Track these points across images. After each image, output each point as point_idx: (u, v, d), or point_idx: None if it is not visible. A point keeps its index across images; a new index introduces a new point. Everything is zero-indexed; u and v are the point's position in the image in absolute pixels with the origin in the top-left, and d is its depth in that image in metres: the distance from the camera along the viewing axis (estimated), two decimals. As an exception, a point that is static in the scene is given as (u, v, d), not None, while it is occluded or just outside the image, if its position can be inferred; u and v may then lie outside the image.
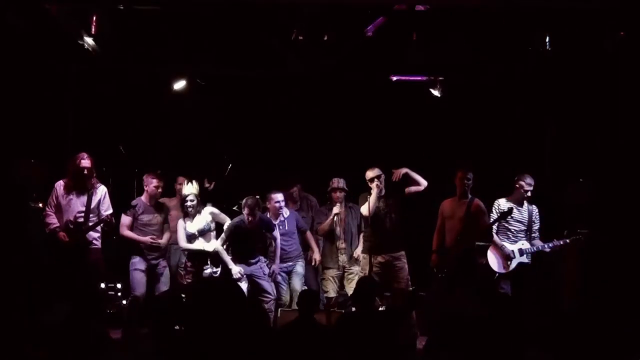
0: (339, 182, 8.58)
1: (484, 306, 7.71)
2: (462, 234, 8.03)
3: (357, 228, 8.58)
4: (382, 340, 5.43)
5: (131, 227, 8.23)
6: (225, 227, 8.41)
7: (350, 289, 8.32)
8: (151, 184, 8.31)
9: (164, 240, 8.33)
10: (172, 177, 9.15)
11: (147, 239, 8.18)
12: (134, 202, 8.22)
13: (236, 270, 8.22)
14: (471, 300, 7.78)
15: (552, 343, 5.66)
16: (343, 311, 8.19)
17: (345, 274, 8.54)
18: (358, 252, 8.42)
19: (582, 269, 8.71)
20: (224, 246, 8.38)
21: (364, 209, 8.02)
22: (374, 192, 7.99)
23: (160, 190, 8.37)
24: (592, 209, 8.78)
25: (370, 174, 8.09)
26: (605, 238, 8.54)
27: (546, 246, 8.12)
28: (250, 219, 8.23)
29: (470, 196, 8.18)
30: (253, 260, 8.37)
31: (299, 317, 5.99)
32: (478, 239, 8.16)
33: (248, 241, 8.38)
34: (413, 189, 8.07)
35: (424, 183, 8.06)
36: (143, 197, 8.34)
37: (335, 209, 8.46)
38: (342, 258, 8.51)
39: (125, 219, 8.18)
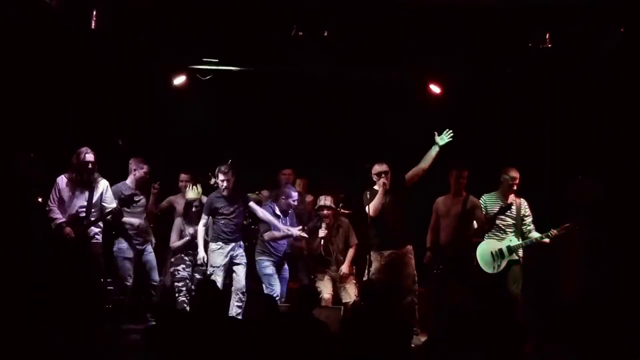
0: (325, 200, 8.52)
1: (481, 303, 7.78)
2: (459, 231, 8.05)
3: (345, 244, 8.57)
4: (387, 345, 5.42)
5: None
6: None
7: (346, 295, 8.36)
8: (142, 169, 8.36)
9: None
10: (173, 173, 9.17)
11: (139, 221, 8.28)
12: (127, 194, 8.21)
13: (201, 255, 8.26)
14: (467, 297, 7.82)
15: (552, 338, 5.66)
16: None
17: (338, 284, 8.52)
18: (344, 269, 8.42)
19: (582, 264, 8.75)
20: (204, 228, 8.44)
21: (369, 209, 7.97)
22: (380, 191, 7.96)
23: (148, 176, 8.44)
24: (593, 205, 8.81)
25: (378, 168, 8.07)
26: (604, 234, 8.57)
27: (537, 238, 8.11)
28: (225, 185, 8.18)
29: (465, 193, 8.20)
30: (233, 241, 8.32)
31: (297, 314, 5.99)
32: (476, 235, 8.18)
33: (227, 214, 8.29)
34: (414, 171, 8.01)
35: (427, 163, 8.02)
36: (128, 181, 8.38)
37: (321, 233, 8.45)
38: (333, 274, 8.55)
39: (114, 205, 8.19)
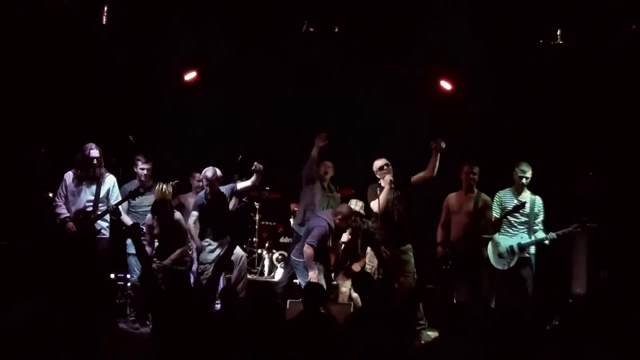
0: (361, 209, 8.47)
1: (490, 300, 7.76)
2: (470, 228, 8.02)
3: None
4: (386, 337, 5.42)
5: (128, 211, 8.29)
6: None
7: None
8: (136, 166, 8.34)
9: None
10: (182, 169, 9.15)
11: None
12: (129, 187, 8.20)
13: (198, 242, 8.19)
14: (477, 294, 7.81)
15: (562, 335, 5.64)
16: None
17: None
18: (357, 267, 8.41)
19: (592, 260, 8.72)
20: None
21: (374, 205, 7.97)
22: (387, 188, 7.96)
23: (145, 172, 8.32)
24: (601, 201, 8.78)
25: (378, 163, 8.09)
26: (612, 230, 8.53)
27: (547, 237, 8.05)
28: (208, 190, 8.16)
29: (476, 190, 8.15)
30: (221, 242, 8.25)
31: (304, 310, 5.99)
32: (485, 232, 8.14)
33: (211, 217, 8.23)
34: (421, 175, 8.02)
35: (432, 171, 8.03)
36: (136, 180, 8.36)
37: (344, 237, 8.39)
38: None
39: (125, 205, 8.18)
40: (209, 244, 8.27)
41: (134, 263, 8.20)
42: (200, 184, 8.65)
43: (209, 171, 8.15)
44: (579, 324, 5.27)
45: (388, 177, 7.96)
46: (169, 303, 5.51)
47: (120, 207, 7.98)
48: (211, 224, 8.28)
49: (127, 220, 8.16)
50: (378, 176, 8.11)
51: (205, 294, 6.46)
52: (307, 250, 8.09)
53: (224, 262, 7.40)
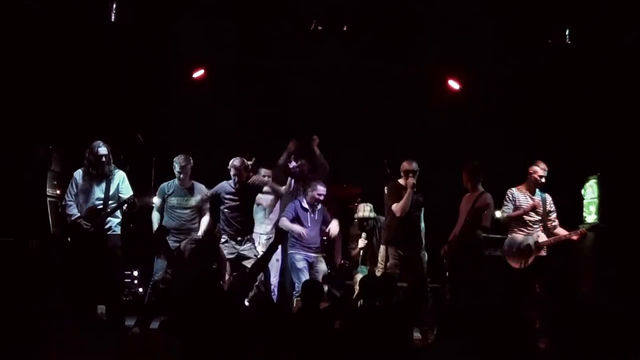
0: (371, 212, 8.54)
1: (481, 296, 7.74)
2: (465, 228, 8.04)
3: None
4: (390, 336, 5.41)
5: (162, 210, 8.23)
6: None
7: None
8: (174, 168, 8.23)
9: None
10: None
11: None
12: (167, 186, 8.24)
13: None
14: (468, 291, 7.80)
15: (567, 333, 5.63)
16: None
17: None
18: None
19: (598, 259, 8.69)
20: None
21: (396, 208, 7.95)
22: (408, 191, 7.95)
23: (182, 175, 8.17)
24: (609, 200, 8.75)
25: (407, 166, 8.04)
26: (619, 231, 8.49)
27: (572, 234, 8.00)
28: (237, 179, 8.06)
29: (481, 190, 8.14)
30: (241, 238, 8.11)
31: (303, 308, 6.00)
32: (479, 231, 8.12)
33: (235, 210, 8.13)
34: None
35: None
36: (177, 179, 8.30)
37: (361, 243, 8.50)
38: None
39: (155, 200, 8.20)
40: (226, 241, 8.09)
41: (157, 261, 8.03)
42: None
43: (236, 160, 8.11)
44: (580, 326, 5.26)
45: (411, 181, 7.95)
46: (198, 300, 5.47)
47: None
48: (234, 218, 8.14)
49: (155, 218, 8.17)
50: (402, 176, 8.08)
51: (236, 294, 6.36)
52: (281, 220, 8.13)
53: (263, 264, 7.13)
